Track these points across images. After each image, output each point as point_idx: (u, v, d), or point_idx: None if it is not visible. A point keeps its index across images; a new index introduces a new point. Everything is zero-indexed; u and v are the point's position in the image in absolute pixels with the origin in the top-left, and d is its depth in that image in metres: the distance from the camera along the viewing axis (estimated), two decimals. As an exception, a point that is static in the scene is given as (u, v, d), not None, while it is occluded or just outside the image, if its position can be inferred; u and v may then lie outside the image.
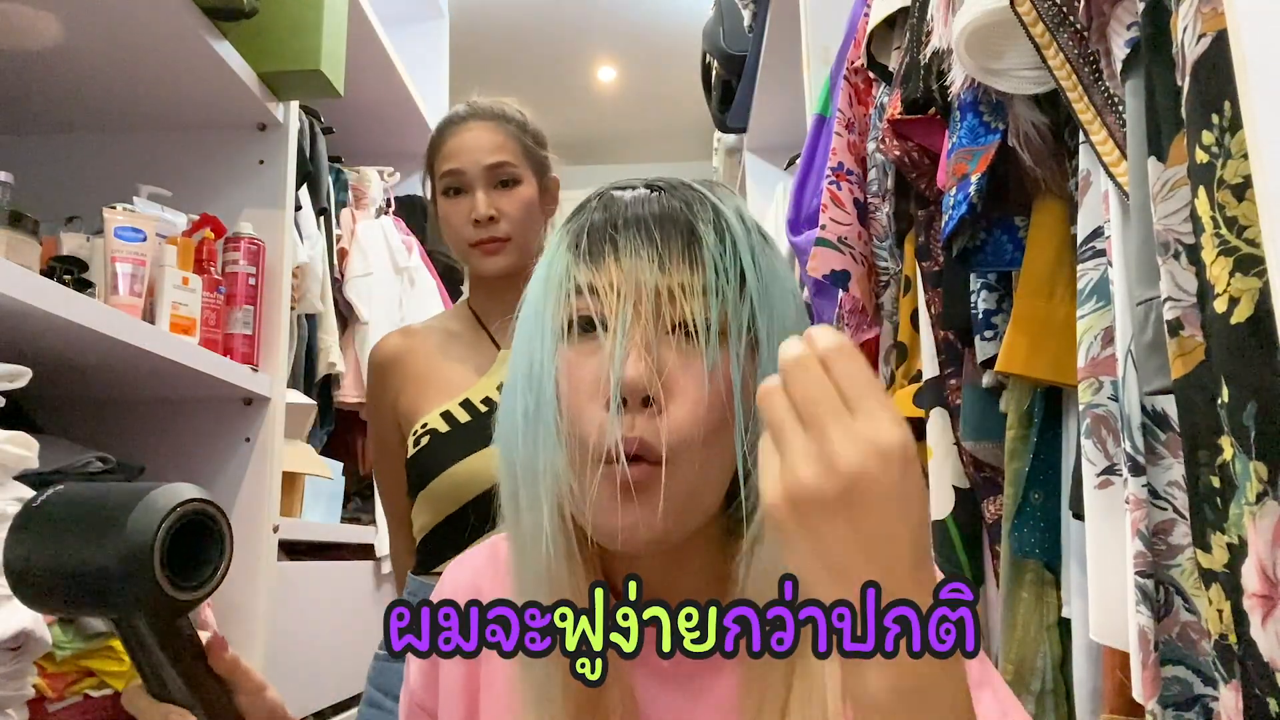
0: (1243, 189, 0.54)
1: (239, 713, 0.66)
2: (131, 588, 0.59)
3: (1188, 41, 0.57)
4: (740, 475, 0.63)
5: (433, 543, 1.41)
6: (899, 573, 0.47)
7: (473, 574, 0.76)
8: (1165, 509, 0.71)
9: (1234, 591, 0.56)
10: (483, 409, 1.39)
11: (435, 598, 0.75)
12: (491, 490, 0.90)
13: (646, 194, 0.66)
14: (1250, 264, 0.53)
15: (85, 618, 1.09)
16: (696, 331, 0.61)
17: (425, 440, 1.39)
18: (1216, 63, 0.55)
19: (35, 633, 0.93)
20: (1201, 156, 0.56)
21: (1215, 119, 0.55)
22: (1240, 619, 0.55)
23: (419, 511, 1.42)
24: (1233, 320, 0.54)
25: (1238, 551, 0.55)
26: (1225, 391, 0.55)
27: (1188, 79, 0.57)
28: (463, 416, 1.38)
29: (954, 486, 1.10)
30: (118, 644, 1.21)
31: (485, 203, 1.42)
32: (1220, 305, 0.55)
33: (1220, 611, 0.58)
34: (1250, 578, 0.54)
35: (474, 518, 1.35)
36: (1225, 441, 0.55)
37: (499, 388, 1.39)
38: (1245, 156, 0.53)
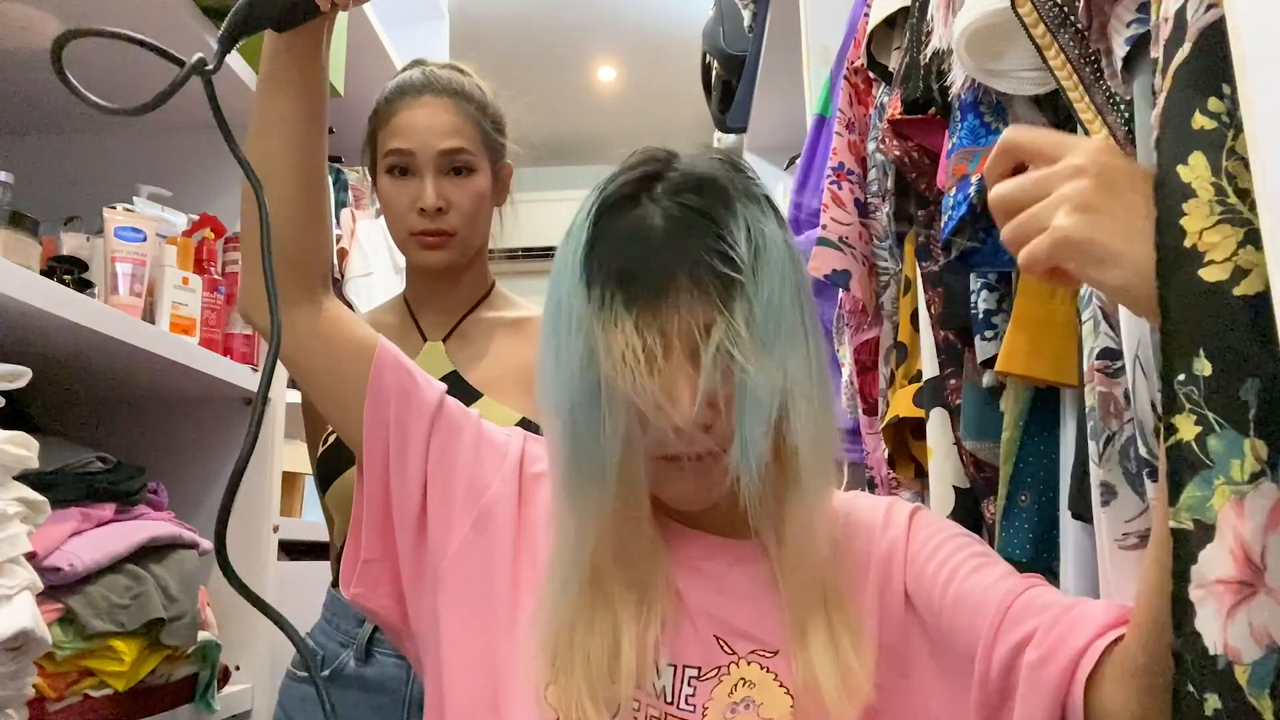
0: None
1: None
2: None
3: (1191, 9, 0.56)
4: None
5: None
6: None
7: None
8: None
9: (1178, 580, 0.53)
10: None
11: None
12: None
13: (667, 227, 0.72)
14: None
15: None
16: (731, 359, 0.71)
17: (332, 439, 1.31)
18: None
19: (35, 633, 0.93)
20: (1204, 122, 0.54)
21: (1227, 89, 0.53)
22: (1183, 610, 0.52)
23: (331, 520, 1.34)
24: (1236, 291, 0.52)
25: (1191, 537, 0.52)
26: (1203, 365, 0.52)
27: (1188, 45, 0.55)
28: None
29: (954, 487, 1.10)
30: (118, 644, 1.21)
31: (434, 193, 1.29)
32: (1215, 274, 0.52)
33: None
34: (1218, 564, 0.51)
35: None
36: (1182, 420, 0.53)
37: None
38: None
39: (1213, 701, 0.51)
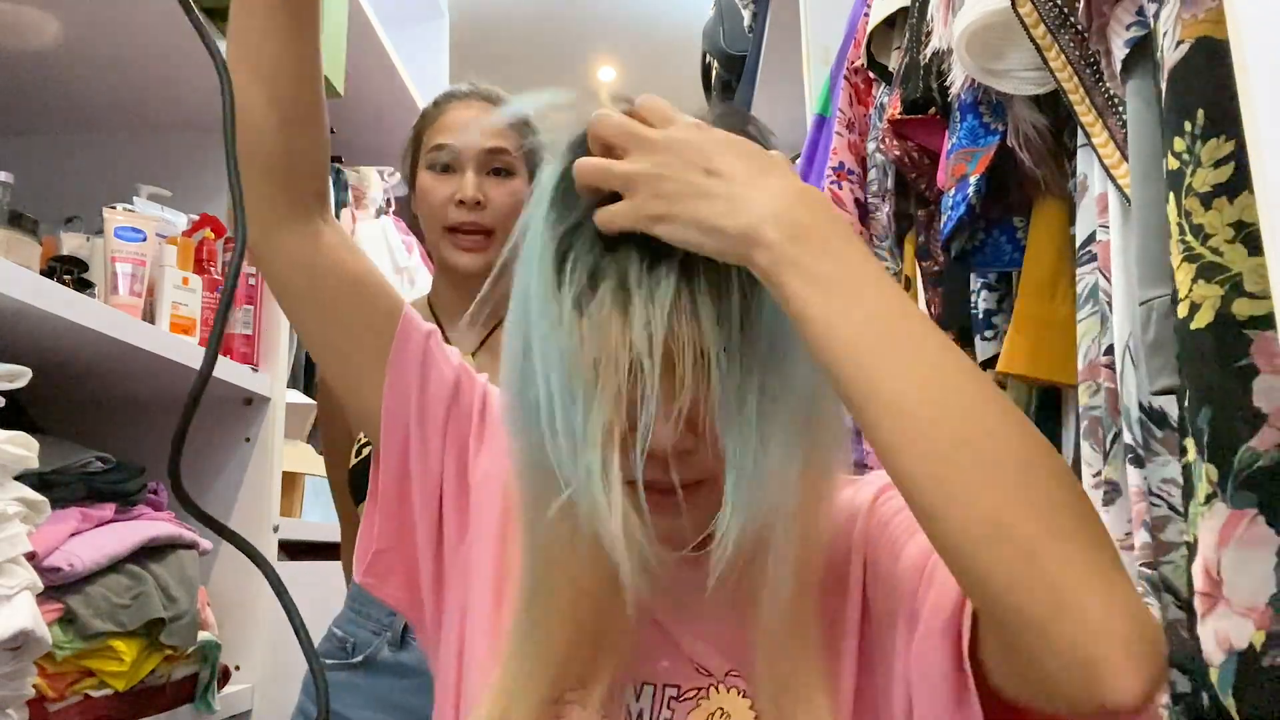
0: (1210, 197, 0.55)
1: None
2: None
3: (1167, 46, 0.58)
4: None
5: None
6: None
7: None
8: (1160, 505, 0.71)
9: (1188, 588, 0.58)
10: None
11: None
12: None
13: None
14: (1213, 271, 0.55)
15: None
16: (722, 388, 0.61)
17: (368, 450, 1.29)
18: (1191, 70, 0.56)
19: (35, 633, 0.93)
20: (1173, 163, 0.57)
21: (1188, 126, 0.56)
22: (1192, 616, 0.57)
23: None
24: (1193, 326, 0.56)
25: (1191, 550, 0.57)
26: (1187, 394, 0.57)
27: (1165, 84, 0.58)
28: None
29: (954, 487, 1.10)
30: (118, 644, 1.21)
31: (474, 184, 1.31)
32: (1183, 310, 0.56)
33: None
34: (1198, 577, 0.56)
35: None
36: (1189, 443, 0.57)
37: None
38: (1215, 165, 0.55)
39: (1205, 698, 0.56)
